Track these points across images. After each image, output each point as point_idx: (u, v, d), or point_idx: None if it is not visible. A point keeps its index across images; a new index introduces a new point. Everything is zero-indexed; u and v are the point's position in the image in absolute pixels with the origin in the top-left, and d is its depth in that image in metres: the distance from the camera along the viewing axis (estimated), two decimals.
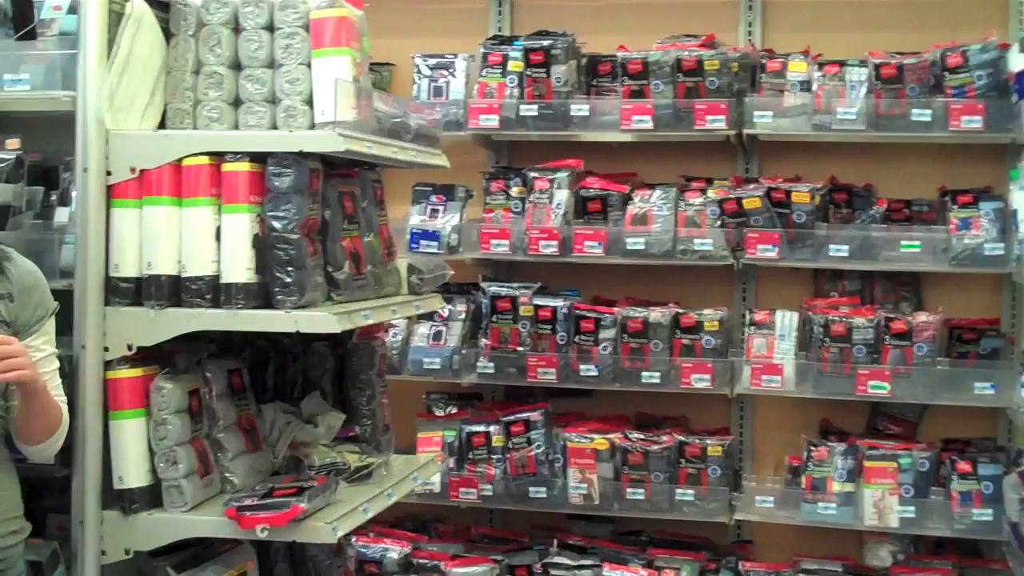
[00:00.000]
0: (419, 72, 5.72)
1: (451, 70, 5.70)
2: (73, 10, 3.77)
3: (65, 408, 3.24)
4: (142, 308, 3.52)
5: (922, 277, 5.52)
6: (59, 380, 3.27)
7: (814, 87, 5.27)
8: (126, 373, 3.52)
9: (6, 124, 3.81)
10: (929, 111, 5.10)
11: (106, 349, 3.52)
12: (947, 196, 5.28)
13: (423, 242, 5.49)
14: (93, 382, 3.51)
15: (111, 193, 3.56)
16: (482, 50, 5.60)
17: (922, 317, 5.16)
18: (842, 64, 5.29)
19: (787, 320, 5.28)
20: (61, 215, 3.78)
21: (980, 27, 5.30)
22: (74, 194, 3.62)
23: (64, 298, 3.41)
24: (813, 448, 5.21)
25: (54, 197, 3.84)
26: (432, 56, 5.73)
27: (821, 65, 5.31)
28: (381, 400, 4.25)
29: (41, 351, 3.17)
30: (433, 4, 6.12)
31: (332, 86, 3.54)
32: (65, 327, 3.43)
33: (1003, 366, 5.12)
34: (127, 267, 3.55)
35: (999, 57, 5.08)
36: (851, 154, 5.54)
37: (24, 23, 3.71)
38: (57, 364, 3.27)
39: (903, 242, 5.16)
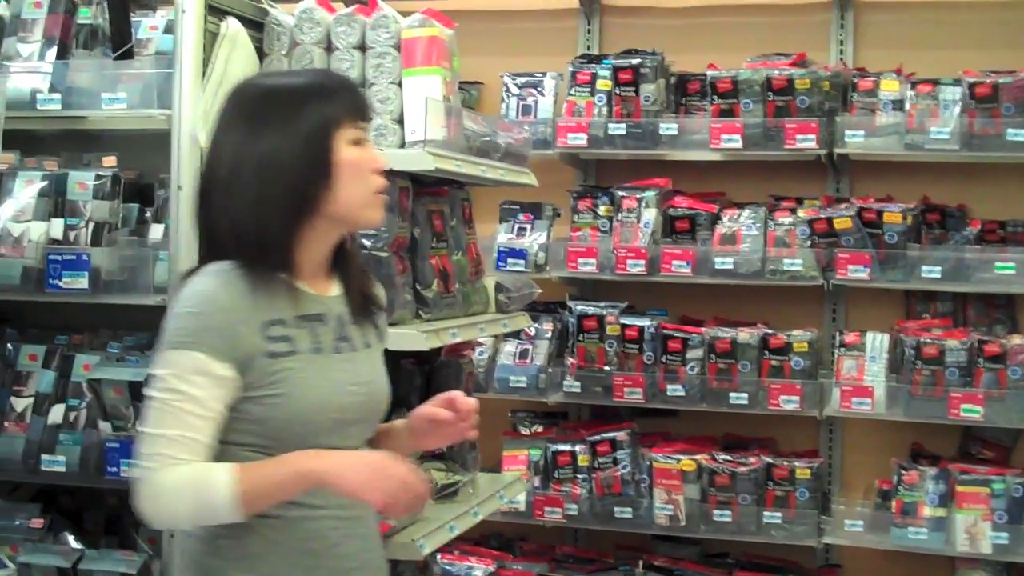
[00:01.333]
0: (508, 91, 5.75)
1: (539, 88, 5.71)
2: (169, 30, 3.83)
3: None
4: None
5: (1016, 299, 5.43)
6: None
7: (907, 106, 5.21)
8: None
9: (103, 142, 3.88)
10: None
11: None
12: None
13: (510, 260, 5.50)
14: None
15: None
16: (570, 69, 5.61)
17: (1016, 340, 5.07)
18: (935, 83, 5.22)
19: (878, 342, 5.22)
20: (156, 232, 3.83)
21: None
22: (168, 211, 3.67)
23: (158, 314, 3.46)
24: (904, 472, 5.13)
25: (149, 214, 3.89)
26: (521, 75, 5.75)
27: (914, 84, 5.25)
28: None
29: None
30: (522, 23, 6.15)
31: (422, 105, 3.56)
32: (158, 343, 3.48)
33: None
34: None
35: None
36: (944, 174, 5.46)
37: (122, 43, 3.77)
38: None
39: (997, 263, 5.08)
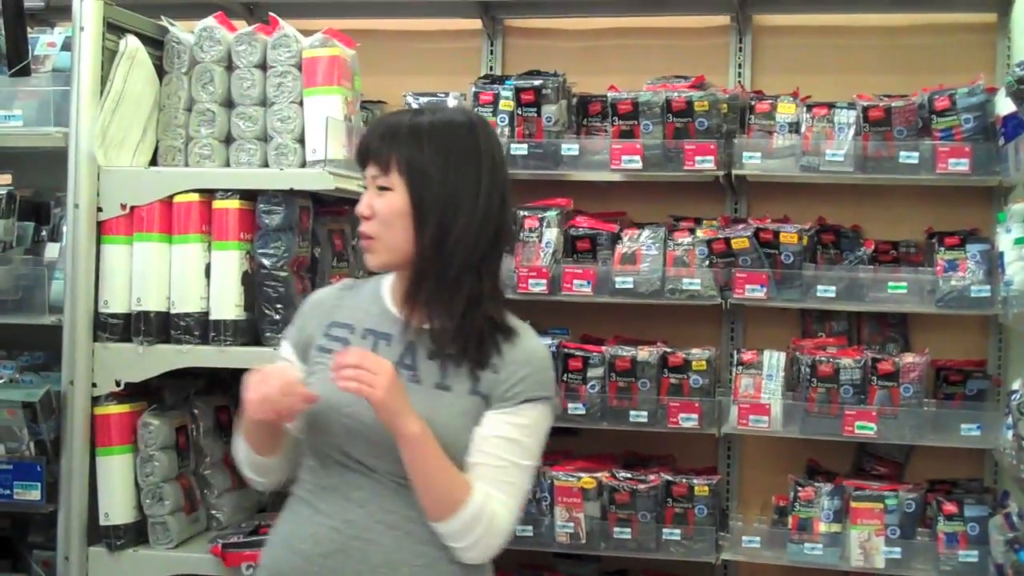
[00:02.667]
0: None
1: None
2: (67, 47, 3.81)
3: (486, 500, 2.62)
4: (131, 344, 3.54)
5: (909, 318, 5.54)
6: (513, 477, 2.68)
7: (802, 129, 5.30)
8: (114, 409, 3.54)
9: None
10: (916, 154, 5.13)
11: (94, 385, 3.54)
12: (934, 238, 5.31)
13: None
14: (81, 418, 3.53)
15: (101, 229, 3.59)
16: (473, 89, 5.62)
17: (909, 358, 5.17)
18: (830, 106, 5.32)
19: (774, 360, 5.29)
20: (52, 251, 3.81)
21: (967, 71, 5.33)
22: (65, 230, 3.64)
23: (53, 334, 3.43)
24: (800, 488, 5.21)
25: (45, 232, 3.86)
26: (423, 94, 5.75)
27: (810, 107, 5.34)
28: None
29: (497, 430, 2.68)
30: (425, 43, 6.16)
31: (323, 125, 3.57)
32: (53, 363, 3.45)
33: (989, 407, 5.13)
34: (116, 303, 3.57)
35: (986, 101, 5.11)
36: (839, 195, 5.57)
37: (18, 59, 3.74)
38: (518, 460, 2.69)
39: (890, 283, 5.18)
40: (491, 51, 6.06)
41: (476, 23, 6.01)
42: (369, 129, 2.75)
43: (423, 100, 5.73)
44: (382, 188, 2.63)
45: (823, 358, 5.15)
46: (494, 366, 2.68)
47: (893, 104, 5.22)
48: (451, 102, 5.71)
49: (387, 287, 2.76)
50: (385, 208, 2.62)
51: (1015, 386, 4.45)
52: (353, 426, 2.59)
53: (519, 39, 6.07)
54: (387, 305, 2.72)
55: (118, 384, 3.52)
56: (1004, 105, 4.85)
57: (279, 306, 3.44)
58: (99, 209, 3.57)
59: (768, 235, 5.28)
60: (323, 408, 2.58)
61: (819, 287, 5.19)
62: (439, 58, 6.12)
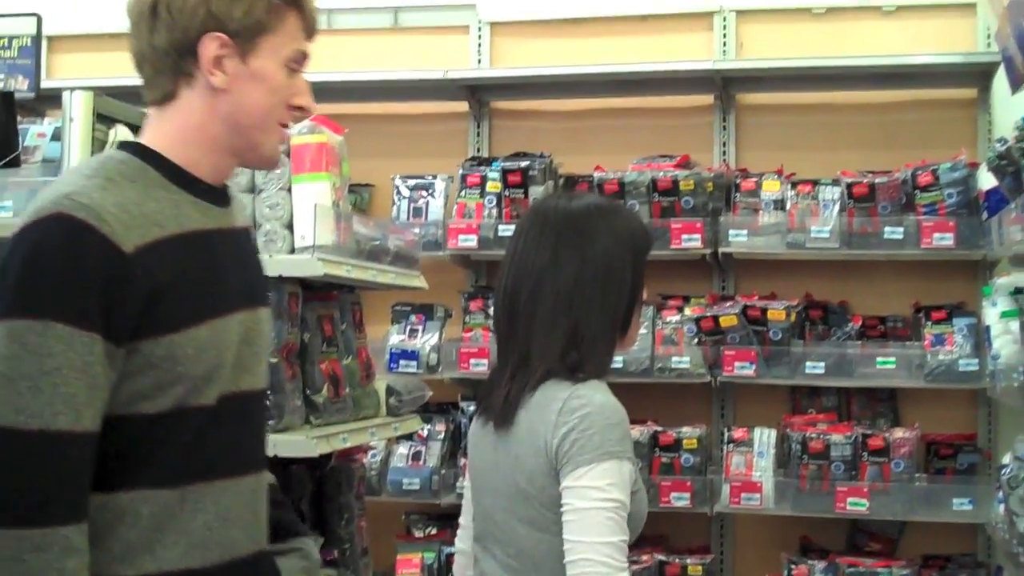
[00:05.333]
0: (399, 193, 5.79)
1: (431, 191, 5.77)
2: (57, 137, 3.82)
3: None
4: None
5: (898, 393, 5.55)
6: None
7: (788, 206, 5.35)
8: None
9: None
10: (901, 229, 5.18)
11: None
12: (921, 312, 5.35)
13: (402, 362, 5.51)
14: None
15: None
16: (461, 171, 5.68)
17: (899, 433, 5.18)
18: (815, 183, 5.37)
19: (765, 437, 5.30)
20: None
21: (950, 146, 5.40)
22: None
23: None
24: (793, 566, 5.20)
25: None
26: (412, 177, 5.80)
27: (794, 184, 5.40)
28: (359, 523, 4.24)
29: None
30: (413, 126, 6.21)
31: (312, 211, 3.59)
32: None
33: (980, 481, 5.14)
34: None
35: (969, 175, 5.17)
36: (826, 271, 5.60)
37: (8, 150, 3.76)
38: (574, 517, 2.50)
39: (878, 359, 5.21)
40: (478, 133, 6.11)
41: (463, 106, 6.08)
42: None
43: (411, 182, 5.78)
44: None
45: (813, 435, 5.16)
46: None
47: (877, 180, 5.28)
48: (439, 184, 5.76)
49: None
50: None
51: (1005, 460, 4.45)
52: None
53: (506, 121, 6.14)
54: None
55: None
56: (986, 180, 4.91)
57: (269, 393, 3.43)
58: None
59: (756, 312, 5.31)
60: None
61: (808, 363, 5.22)
62: (427, 141, 6.17)
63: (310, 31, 2.21)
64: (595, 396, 2.55)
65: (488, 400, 2.70)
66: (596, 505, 2.43)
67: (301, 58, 2.18)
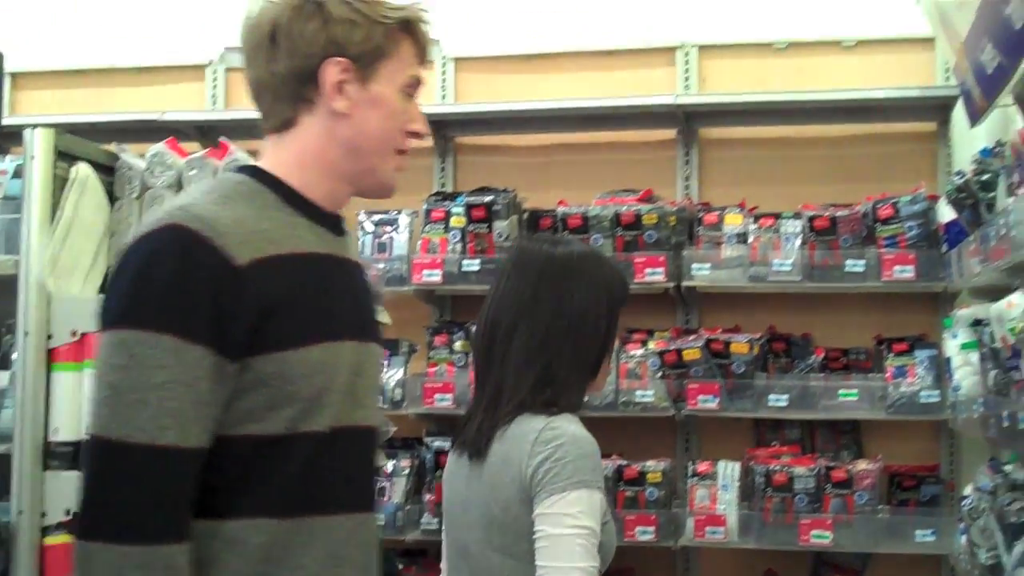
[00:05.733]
0: (363, 228, 5.79)
1: (395, 226, 5.77)
2: (18, 174, 3.82)
3: None
4: (80, 473, 3.50)
5: (861, 425, 5.57)
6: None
7: (750, 239, 5.37)
8: (64, 539, 3.50)
9: None
10: (862, 261, 5.21)
11: (43, 515, 3.50)
12: (883, 344, 5.38)
13: None
14: (29, 548, 3.48)
15: (51, 356, 3.58)
16: (425, 206, 5.68)
17: (862, 465, 5.20)
18: (777, 217, 5.40)
19: (729, 470, 5.30)
20: (2, 378, 3.78)
21: (910, 179, 5.45)
22: (14, 357, 3.63)
23: (2, 463, 3.40)
24: None
25: None
26: (376, 212, 5.80)
27: (757, 218, 5.42)
28: None
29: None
30: None
31: None
32: (2, 491, 3.42)
33: (943, 512, 5.16)
34: (67, 431, 3.55)
35: (929, 208, 5.21)
36: (788, 304, 5.63)
37: None
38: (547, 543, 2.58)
39: (841, 391, 5.23)
40: (443, 168, 6.13)
41: (427, 141, 6.08)
42: None
43: (376, 218, 5.78)
44: None
45: (777, 467, 5.17)
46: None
47: (838, 213, 5.31)
48: (403, 219, 5.75)
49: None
50: None
51: (967, 491, 4.48)
52: None
53: (470, 156, 6.15)
54: None
55: (68, 513, 3.49)
56: (946, 212, 4.95)
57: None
58: (49, 336, 3.58)
59: (719, 345, 5.33)
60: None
61: (771, 396, 5.24)
62: None
63: (423, 57, 2.22)
64: (569, 427, 2.65)
65: (464, 433, 2.75)
66: (568, 532, 2.51)
67: (415, 84, 2.20)
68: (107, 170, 3.87)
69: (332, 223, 2.20)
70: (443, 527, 2.86)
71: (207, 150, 3.96)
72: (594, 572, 2.52)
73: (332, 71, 2.09)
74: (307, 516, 2.03)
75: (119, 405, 1.87)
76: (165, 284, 1.91)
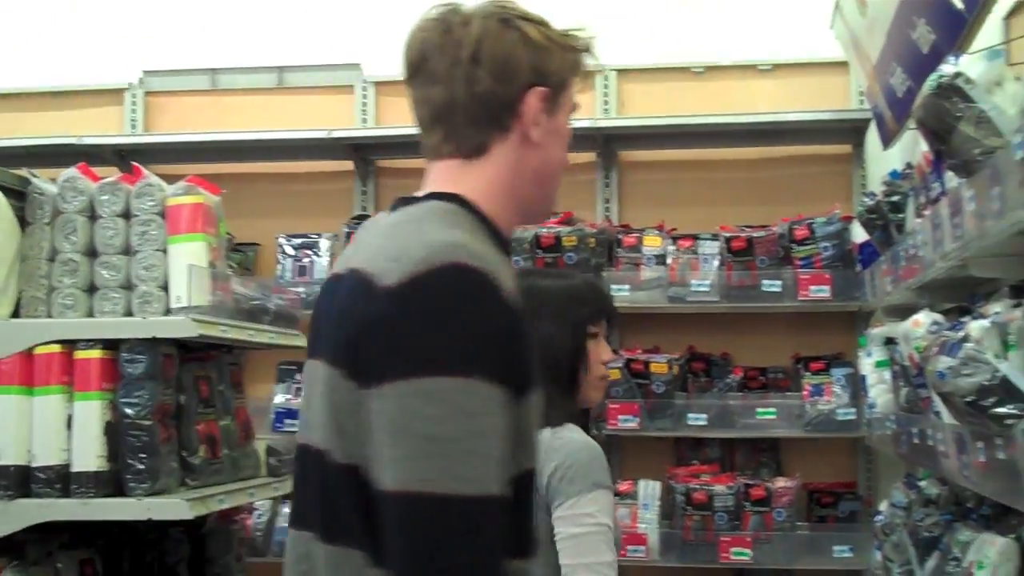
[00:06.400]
0: (283, 252, 5.78)
1: (315, 249, 5.77)
2: None
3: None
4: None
5: (780, 443, 5.64)
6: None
7: (669, 260, 5.43)
8: None
9: None
10: (779, 282, 5.29)
11: None
12: (800, 363, 5.45)
13: (287, 421, 5.46)
14: None
15: None
16: (345, 229, 5.68)
17: (781, 482, 5.26)
18: (695, 238, 5.47)
19: (650, 489, 5.34)
20: None
21: (826, 200, 5.54)
22: None
23: None
24: None
25: None
26: (296, 236, 5.80)
27: (675, 239, 5.48)
28: None
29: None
30: (298, 184, 6.22)
31: (187, 272, 3.58)
32: None
33: (862, 528, 5.23)
34: None
35: (843, 229, 5.30)
36: (707, 324, 5.68)
37: None
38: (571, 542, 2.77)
39: (759, 409, 5.30)
40: (364, 191, 6.13)
41: (348, 164, 6.10)
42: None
43: (296, 241, 5.78)
44: None
45: (696, 486, 5.21)
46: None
47: (755, 235, 5.38)
48: (324, 243, 5.76)
49: None
50: None
51: (881, 507, 4.54)
52: None
53: (391, 179, 6.16)
54: None
55: None
56: (860, 233, 5.02)
57: (143, 455, 3.40)
58: None
59: (639, 366, 5.37)
60: None
61: (690, 415, 5.29)
62: (312, 200, 6.17)
63: (584, 83, 2.16)
64: (573, 435, 2.82)
65: None
66: (590, 530, 2.70)
67: (573, 111, 2.14)
68: (18, 195, 3.83)
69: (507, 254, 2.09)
70: None
71: (120, 175, 3.93)
72: (615, 566, 2.69)
73: (535, 100, 2.01)
74: (530, 557, 2.00)
75: (444, 458, 1.75)
76: (470, 328, 1.79)
